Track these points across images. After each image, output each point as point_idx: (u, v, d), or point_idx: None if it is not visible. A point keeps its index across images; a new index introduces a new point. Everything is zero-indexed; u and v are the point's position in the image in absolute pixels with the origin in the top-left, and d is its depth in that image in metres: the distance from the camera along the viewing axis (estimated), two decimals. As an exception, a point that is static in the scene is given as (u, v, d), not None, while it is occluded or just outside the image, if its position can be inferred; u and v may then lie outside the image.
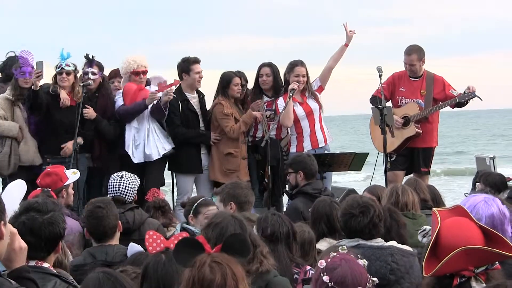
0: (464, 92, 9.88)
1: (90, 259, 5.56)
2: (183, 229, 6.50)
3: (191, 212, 6.66)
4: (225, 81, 9.74)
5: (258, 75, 9.90)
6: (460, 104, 9.97)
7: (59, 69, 9.16)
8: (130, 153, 9.40)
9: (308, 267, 5.17)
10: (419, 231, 4.60)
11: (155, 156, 9.39)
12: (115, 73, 9.94)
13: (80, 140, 9.06)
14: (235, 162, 9.61)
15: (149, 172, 9.41)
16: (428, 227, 4.48)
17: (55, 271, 4.30)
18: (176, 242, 3.75)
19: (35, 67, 8.95)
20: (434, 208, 3.88)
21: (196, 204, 6.70)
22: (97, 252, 5.62)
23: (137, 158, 9.41)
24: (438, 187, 7.94)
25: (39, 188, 6.91)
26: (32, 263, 4.15)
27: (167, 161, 9.69)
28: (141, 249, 5.06)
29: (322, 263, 3.66)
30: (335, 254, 3.71)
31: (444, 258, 3.57)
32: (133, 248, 5.01)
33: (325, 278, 3.60)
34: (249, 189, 6.60)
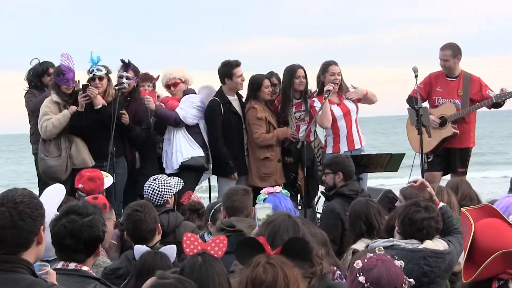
0: (499, 94, 9.82)
1: (125, 262, 5.59)
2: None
3: (209, 219, 6.61)
4: (256, 84, 9.72)
5: (293, 77, 9.77)
6: (497, 105, 9.89)
7: (91, 75, 9.09)
8: (164, 165, 9.56)
9: (335, 268, 5.19)
10: None
11: (175, 166, 9.43)
12: (143, 78, 9.96)
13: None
14: (272, 166, 9.61)
15: (183, 175, 9.42)
16: None
17: (94, 274, 4.36)
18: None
19: (81, 90, 9.00)
20: (462, 208, 3.86)
21: (213, 210, 6.66)
22: (132, 255, 5.65)
23: (169, 169, 9.50)
24: (474, 188, 7.87)
25: (90, 196, 6.67)
26: (72, 266, 4.21)
27: (205, 165, 9.66)
28: (148, 248, 5.08)
29: (358, 264, 3.67)
30: (371, 254, 3.72)
31: (481, 263, 3.54)
32: (140, 249, 5.02)
33: (361, 279, 3.61)
34: (240, 195, 6.36)
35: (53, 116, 9.06)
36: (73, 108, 9.02)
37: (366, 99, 10.03)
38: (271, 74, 10.09)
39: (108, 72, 9.25)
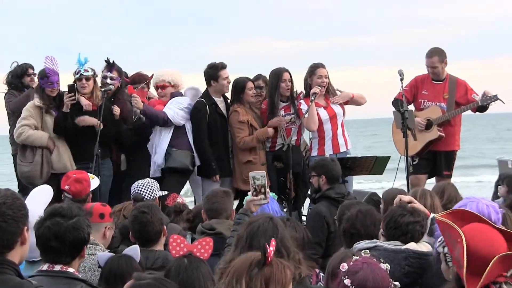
0: (483, 97, 9.87)
1: None
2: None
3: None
4: (239, 87, 9.69)
5: (279, 80, 9.67)
6: (482, 108, 9.95)
7: (78, 75, 9.06)
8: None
9: (318, 270, 5.21)
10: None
11: (153, 174, 9.36)
12: (136, 80, 9.96)
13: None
14: (255, 169, 9.55)
15: (168, 178, 9.41)
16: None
17: (80, 276, 4.35)
18: (199, 246, 3.79)
19: (67, 91, 8.96)
20: (436, 215, 3.84)
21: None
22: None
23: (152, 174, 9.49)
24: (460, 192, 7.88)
25: (98, 203, 6.29)
26: (57, 268, 4.19)
27: (189, 167, 9.64)
28: (110, 254, 5.04)
29: (344, 267, 3.67)
30: (357, 257, 3.72)
31: (477, 270, 3.49)
32: (103, 257, 4.95)
33: (347, 282, 3.60)
34: (220, 197, 6.40)
35: (33, 124, 9.04)
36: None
37: (353, 101, 10.04)
38: (258, 77, 10.08)
39: (95, 74, 9.23)
